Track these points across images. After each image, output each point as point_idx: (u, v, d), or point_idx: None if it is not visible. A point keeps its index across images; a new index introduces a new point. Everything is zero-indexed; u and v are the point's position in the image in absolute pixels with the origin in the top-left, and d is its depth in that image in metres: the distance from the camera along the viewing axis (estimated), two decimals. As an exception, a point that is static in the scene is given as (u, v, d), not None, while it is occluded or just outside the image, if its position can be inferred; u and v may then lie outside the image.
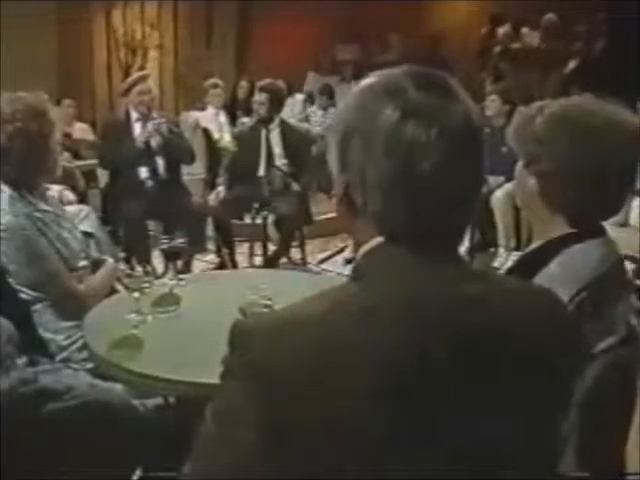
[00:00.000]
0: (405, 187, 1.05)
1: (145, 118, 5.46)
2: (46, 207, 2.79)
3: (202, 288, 2.95)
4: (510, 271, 1.78)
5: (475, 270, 1.15)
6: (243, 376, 1.03)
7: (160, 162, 5.50)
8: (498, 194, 5.68)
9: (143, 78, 5.73)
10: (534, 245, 1.79)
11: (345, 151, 1.10)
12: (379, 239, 1.10)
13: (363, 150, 1.07)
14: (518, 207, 5.44)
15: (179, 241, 2.97)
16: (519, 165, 1.81)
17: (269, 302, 2.25)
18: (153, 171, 5.48)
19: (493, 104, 6.19)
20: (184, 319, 2.61)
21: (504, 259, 5.74)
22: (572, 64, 9.28)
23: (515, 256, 4.98)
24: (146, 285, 2.50)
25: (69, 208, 3.50)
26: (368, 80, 1.13)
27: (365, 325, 1.02)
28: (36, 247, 2.67)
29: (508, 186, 5.55)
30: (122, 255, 3.46)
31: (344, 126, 1.11)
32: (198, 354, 2.27)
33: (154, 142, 5.43)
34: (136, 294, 2.50)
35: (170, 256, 3.03)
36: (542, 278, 1.60)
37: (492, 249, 5.93)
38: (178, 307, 2.68)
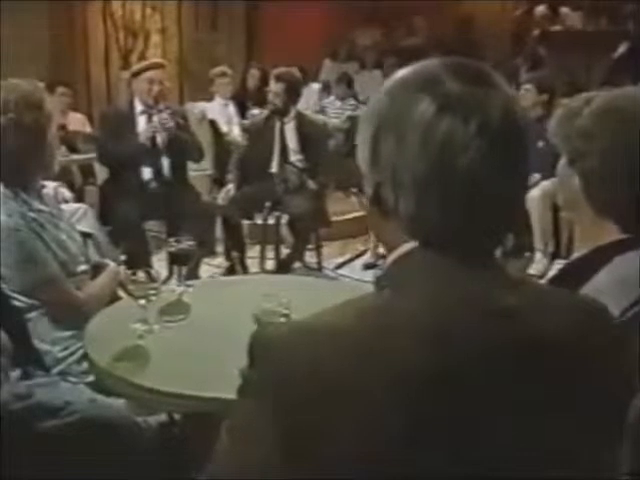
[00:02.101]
0: (441, 187, 1.06)
1: (151, 110, 5.46)
2: (42, 207, 2.79)
3: (212, 295, 2.97)
4: (553, 280, 1.78)
5: (514, 278, 1.16)
6: (264, 391, 1.04)
7: (165, 162, 5.51)
8: (534, 193, 5.64)
9: (158, 65, 5.69)
10: (580, 252, 1.78)
11: (376, 148, 1.11)
12: (411, 244, 1.11)
13: (396, 147, 1.08)
14: (556, 208, 5.43)
15: (188, 243, 2.98)
16: (562, 162, 1.80)
17: (287, 311, 2.26)
18: (157, 172, 5.49)
19: (528, 94, 6.17)
20: (194, 329, 2.62)
21: (541, 265, 5.71)
22: (622, 48, 9.16)
23: (557, 264, 4.96)
24: (153, 292, 2.51)
25: (65, 207, 3.52)
26: (401, 72, 1.15)
27: (395, 337, 1.03)
28: (31, 250, 2.66)
29: (545, 184, 5.53)
30: (123, 258, 3.47)
31: (375, 122, 1.12)
32: (209, 367, 2.29)
33: (160, 139, 5.42)
34: (142, 301, 2.50)
35: (178, 260, 3.04)
36: (589, 289, 1.59)
37: (528, 254, 5.90)
38: (187, 316, 2.70)
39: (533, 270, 5.73)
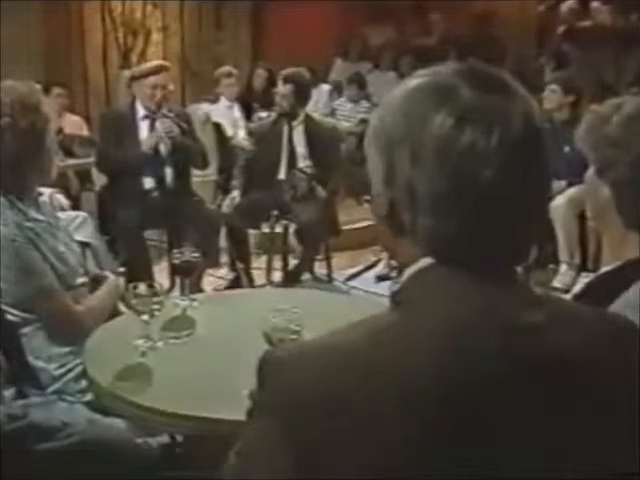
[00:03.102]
0: (462, 202, 1.06)
1: (154, 115, 5.46)
2: (39, 215, 2.78)
3: (218, 309, 2.99)
4: (579, 296, 1.78)
5: (538, 296, 1.16)
6: (275, 415, 1.05)
7: (168, 171, 5.52)
8: (559, 201, 5.57)
9: (161, 68, 5.63)
10: (608, 266, 1.78)
11: (390, 164, 1.11)
12: (428, 259, 1.11)
13: (412, 163, 1.08)
14: (582, 216, 5.39)
15: (193, 255, 2.99)
16: (590, 172, 1.80)
17: (298, 327, 2.26)
18: (159, 181, 5.50)
19: (553, 95, 6.11)
20: (199, 345, 2.64)
21: (567, 278, 5.67)
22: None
23: (584, 277, 4.92)
24: (156, 306, 2.52)
25: (62, 215, 3.52)
26: (414, 80, 1.14)
27: (411, 358, 1.04)
28: (27, 261, 2.65)
29: (571, 192, 5.48)
30: (122, 270, 3.48)
31: (388, 135, 1.12)
32: (215, 386, 2.30)
33: (163, 148, 5.42)
34: (145, 317, 2.51)
35: (181, 272, 3.05)
36: (619, 306, 1.58)
37: (552, 266, 5.88)
38: (192, 331, 2.71)
39: (558, 283, 5.69)
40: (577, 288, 1.93)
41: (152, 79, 5.45)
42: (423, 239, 1.10)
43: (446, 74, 1.12)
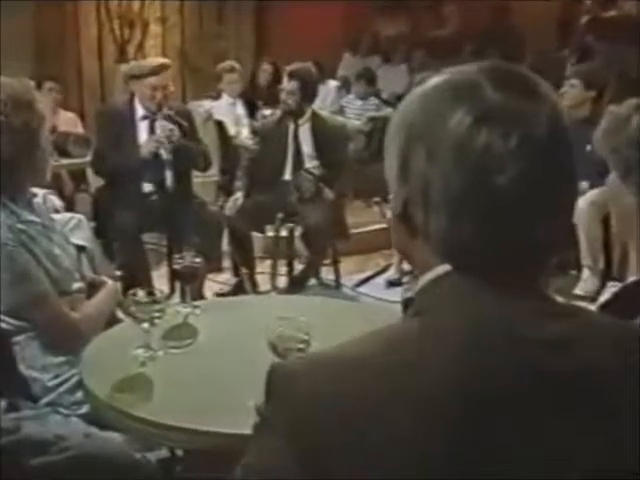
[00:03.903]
0: (476, 205, 1.07)
1: (153, 116, 5.46)
2: (32, 217, 2.78)
3: (221, 317, 2.99)
4: (605, 306, 1.77)
5: (560, 306, 1.16)
6: (284, 431, 1.05)
7: (169, 174, 5.53)
8: (581, 204, 5.47)
9: (162, 68, 5.59)
10: (636, 276, 1.77)
11: (406, 161, 1.13)
12: (444, 267, 1.12)
13: (428, 160, 1.09)
14: (606, 219, 5.35)
15: (195, 260, 3.00)
16: (612, 177, 1.80)
17: (306, 337, 2.27)
18: (159, 185, 5.52)
19: (573, 90, 6.06)
20: (201, 355, 2.64)
21: (590, 285, 5.64)
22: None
23: (610, 286, 4.89)
24: (157, 314, 2.52)
25: (56, 217, 3.53)
26: (437, 77, 1.16)
27: (426, 372, 1.04)
28: (20, 266, 2.65)
29: (594, 193, 5.45)
30: (118, 274, 3.48)
31: (405, 131, 1.14)
32: (219, 398, 2.31)
33: (164, 152, 5.43)
34: (145, 325, 2.51)
35: (183, 278, 3.06)
36: None
37: (573, 271, 5.87)
38: (194, 340, 2.72)
39: (580, 290, 5.65)
40: (603, 298, 1.93)
41: (152, 80, 5.43)
42: (436, 241, 1.11)
43: (470, 72, 1.13)
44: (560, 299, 1.21)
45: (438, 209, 1.09)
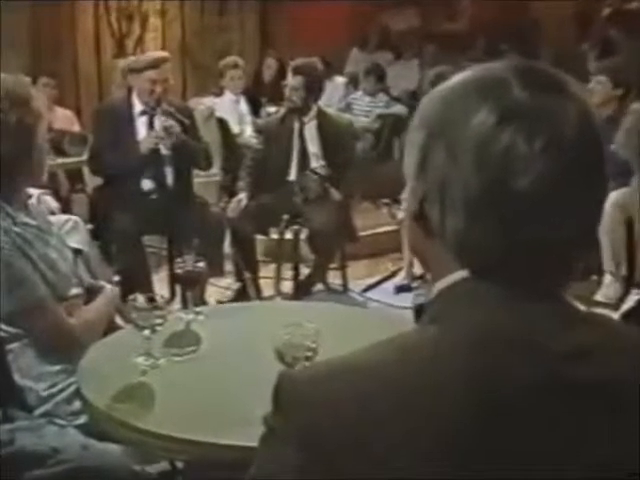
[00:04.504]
0: (494, 208, 1.07)
1: (152, 111, 5.48)
2: (28, 220, 2.78)
3: (225, 324, 2.99)
4: (628, 314, 1.77)
5: (581, 314, 1.16)
6: (292, 442, 1.06)
7: (169, 172, 5.55)
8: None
9: (161, 61, 5.64)
10: None
11: (425, 157, 1.13)
12: (461, 272, 1.12)
13: (447, 158, 1.10)
14: (630, 223, 5.31)
15: (198, 265, 3.00)
16: (637, 177, 1.80)
17: (314, 344, 2.27)
18: (159, 182, 5.53)
19: (599, 87, 6.00)
20: (204, 363, 2.64)
21: (612, 291, 5.59)
22: None
23: (634, 294, 4.86)
24: (159, 321, 2.53)
25: (52, 218, 3.53)
26: (460, 74, 1.16)
27: (443, 383, 1.04)
28: (16, 271, 2.65)
29: (616, 195, 5.39)
30: (116, 279, 3.48)
31: (426, 128, 1.15)
32: (223, 408, 2.32)
33: (163, 148, 5.44)
34: (146, 332, 2.52)
35: (185, 283, 3.06)
36: None
37: (594, 277, 5.83)
38: (197, 348, 2.72)
39: (601, 296, 5.59)
40: (626, 306, 1.92)
41: (151, 73, 5.47)
42: (452, 242, 1.11)
43: (497, 69, 1.14)
44: (580, 306, 1.21)
45: (455, 208, 1.09)
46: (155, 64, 5.55)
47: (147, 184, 5.52)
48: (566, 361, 1.07)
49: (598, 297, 5.61)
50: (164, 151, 5.46)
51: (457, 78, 1.16)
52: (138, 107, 5.56)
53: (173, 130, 5.38)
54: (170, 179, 5.56)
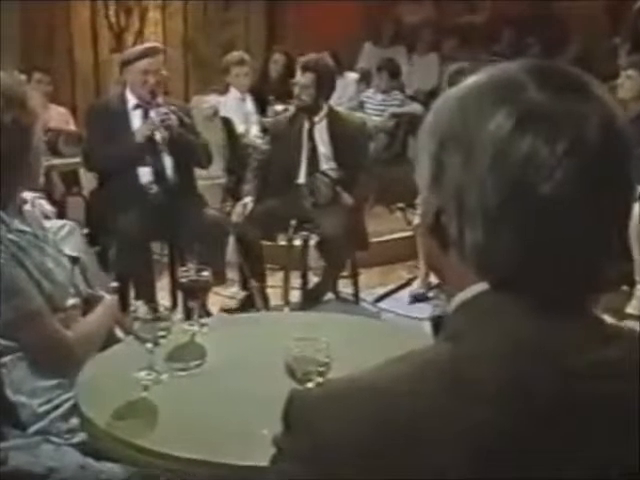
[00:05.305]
0: (517, 217, 1.07)
1: (147, 105, 5.51)
2: (23, 227, 2.78)
3: (232, 336, 3.00)
4: None
5: (610, 328, 1.16)
6: (304, 464, 1.07)
7: (167, 161, 5.55)
8: (635, 211, 5.46)
9: (154, 51, 5.69)
10: None
11: (439, 167, 1.14)
12: (480, 285, 1.13)
13: (463, 167, 1.10)
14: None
15: (203, 274, 3.01)
16: None
17: (327, 359, 2.27)
18: (158, 174, 5.53)
19: (629, 82, 6.04)
20: (210, 379, 2.64)
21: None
22: None
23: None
24: (162, 333, 2.53)
25: (47, 224, 3.53)
26: (478, 75, 1.17)
27: (462, 403, 1.05)
28: (9, 280, 2.65)
29: (646, 200, 5.42)
30: (115, 285, 3.49)
31: (439, 134, 1.15)
32: (230, 426, 2.31)
33: (159, 136, 5.45)
34: (149, 345, 2.52)
35: (190, 293, 3.07)
36: None
37: (625, 287, 5.82)
38: (202, 362, 2.72)
39: (633, 309, 5.59)
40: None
41: (143, 62, 5.51)
42: (471, 256, 1.12)
43: (512, 70, 1.14)
44: (611, 319, 1.21)
45: (474, 220, 1.09)
46: (147, 53, 5.60)
47: (146, 176, 5.52)
48: (595, 382, 1.07)
49: (629, 310, 5.60)
50: (160, 140, 5.46)
51: (469, 82, 1.16)
52: (132, 101, 5.60)
53: (168, 120, 5.40)
54: (169, 171, 5.56)
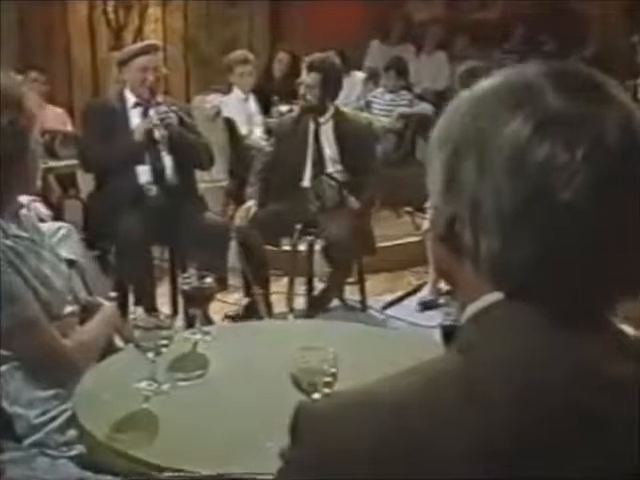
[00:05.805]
0: (535, 225, 1.07)
1: (146, 104, 5.53)
2: (20, 232, 2.78)
3: (235, 345, 3.01)
4: None
5: (630, 341, 1.15)
6: (313, 476, 1.07)
7: (167, 160, 5.57)
8: None
9: (152, 48, 5.74)
10: None
11: (453, 174, 1.14)
12: (495, 295, 1.13)
13: (479, 174, 1.10)
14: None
15: (206, 281, 3.02)
16: None
17: (333, 369, 2.27)
18: (157, 173, 5.54)
19: None
20: (213, 389, 2.65)
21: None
22: None
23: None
24: (164, 342, 2.53)
25: (42, 226, 3.53)
26: (492, 78, 1.17)
27: (475, 416, 1.05)
28: (6, 287, 2.64)
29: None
30: (114, 295, 3.50)
31: (452, 140, 1.15)
32: (233, 439, 2.31)
33: (158, 135, 5.48)
34: (150, 354, 2.53)
35: (192, 301, 3.07)
36: None
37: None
38: (204, 372, 2.73)
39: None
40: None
41: (142, 60, 5.55)
42: (486, 264, 1.11)
43: (530, 73, 1.14)
44: (629, 329, 1.21)
45: (490, 229, 1.09)
46: (145, 51, 5.65)
47: (144, 175, 5.53)
48: (613, 397, 1.07)
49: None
50: (160, 139, 5.49)
51: (483, 85, 1.16)
52: (131, 100, 5.62)
53: (168, 117, 5.43)
54: (169, 171, 5.58)
